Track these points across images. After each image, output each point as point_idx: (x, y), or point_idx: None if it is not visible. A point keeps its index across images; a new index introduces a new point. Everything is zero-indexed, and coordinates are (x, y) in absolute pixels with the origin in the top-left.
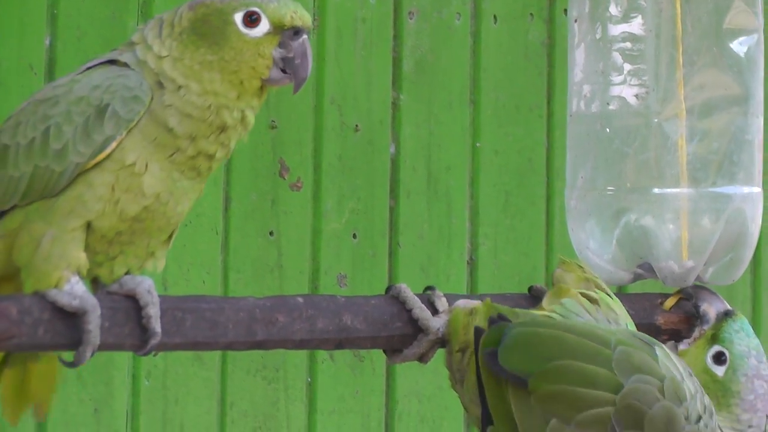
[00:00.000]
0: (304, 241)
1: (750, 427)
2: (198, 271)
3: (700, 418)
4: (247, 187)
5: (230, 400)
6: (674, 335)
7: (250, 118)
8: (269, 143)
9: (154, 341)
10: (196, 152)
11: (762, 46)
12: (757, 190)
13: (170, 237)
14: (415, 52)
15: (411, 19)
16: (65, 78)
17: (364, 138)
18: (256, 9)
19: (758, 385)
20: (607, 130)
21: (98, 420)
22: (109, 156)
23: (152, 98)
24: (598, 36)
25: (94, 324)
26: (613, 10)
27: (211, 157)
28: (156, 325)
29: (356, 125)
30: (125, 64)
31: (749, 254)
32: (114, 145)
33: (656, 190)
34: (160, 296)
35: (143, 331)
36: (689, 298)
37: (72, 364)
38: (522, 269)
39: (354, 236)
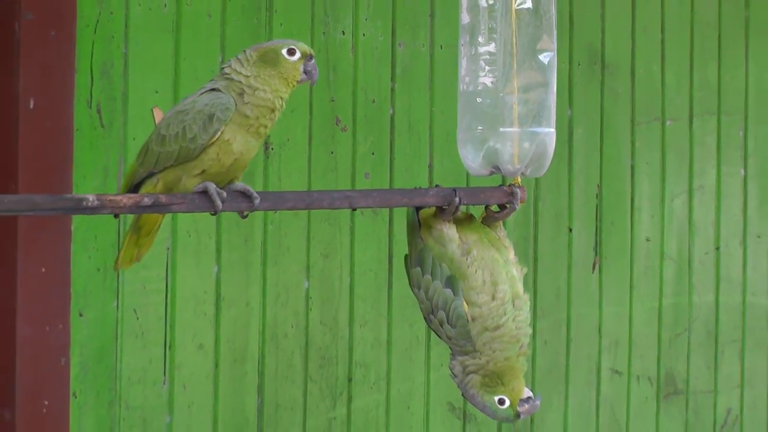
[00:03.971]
0: (347, 157)
1: None
2: (299, 171)
3: None
4: (323, 132)
5: (311, 235)
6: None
7: (283, 107)
8: (332, 112)
9: (257, 201)
10: (259, 125)
11: (555, 57)
12: (552, 129)
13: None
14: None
15: (400, 47)
16: (190, 97)
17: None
18: (293, 46)
19: None
20: (478, 99)
21: (246, 246)
22: (217, 138)
23: (236, 105)
24: (472, 53)
25: (213, 193)
26: (481, 40)
27: (266, 126)
28: (256, 194)
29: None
30: (219, 90)
31: (547, 163)
32: (219, 133)
33: (501, 129)
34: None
35: (248, 199)
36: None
37: (214, 213)
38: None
39: (372, 154)
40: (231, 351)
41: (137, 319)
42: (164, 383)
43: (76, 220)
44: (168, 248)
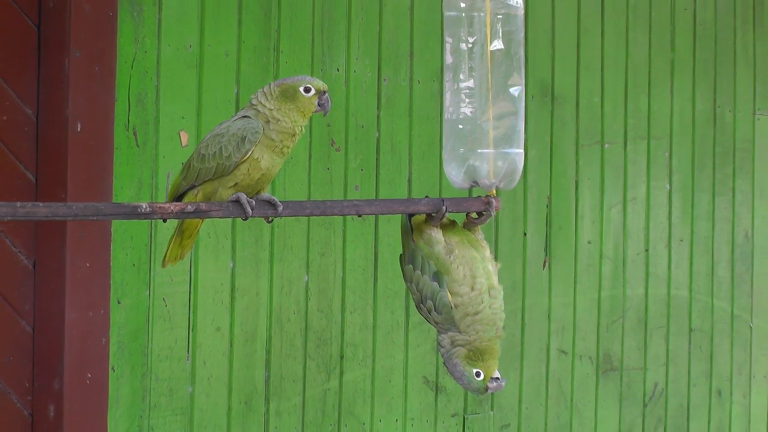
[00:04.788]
0: (340, 172)
1: None
2: (300, 183)
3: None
4: (320, 151)
5: (311, 237)
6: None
7: (303, 131)
8: (328, 135)
9: (281, 208)
10: (282, 147)
11: (524, 91)
12: (521, 150)
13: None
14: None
15: (385, 82)
16: (226, 123)
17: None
18: (309, 85)
19: None
20: (460, 126)
21: (257, 245)
22: (248, 157)
23: (264, 130)
24: (455, 87)
25: (244, 202)
26: (462, 77)
27: (289, 147)
28: (279, 203)
29: (364, 124)
30: (249, 117)
31: (518, 177)
32: (249, 153)
33: (479, 150)
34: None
35: (273, 207)
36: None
37: (245, 219)
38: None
39: (361, 170)
40: (243, 333)
41: (165, 306)
42: (188, 359)
43: (116, 223)
44: (191, 247)
